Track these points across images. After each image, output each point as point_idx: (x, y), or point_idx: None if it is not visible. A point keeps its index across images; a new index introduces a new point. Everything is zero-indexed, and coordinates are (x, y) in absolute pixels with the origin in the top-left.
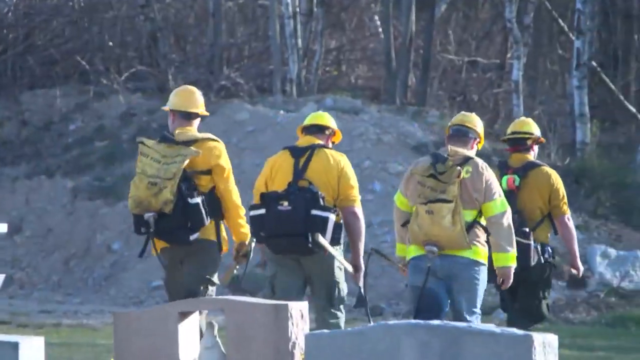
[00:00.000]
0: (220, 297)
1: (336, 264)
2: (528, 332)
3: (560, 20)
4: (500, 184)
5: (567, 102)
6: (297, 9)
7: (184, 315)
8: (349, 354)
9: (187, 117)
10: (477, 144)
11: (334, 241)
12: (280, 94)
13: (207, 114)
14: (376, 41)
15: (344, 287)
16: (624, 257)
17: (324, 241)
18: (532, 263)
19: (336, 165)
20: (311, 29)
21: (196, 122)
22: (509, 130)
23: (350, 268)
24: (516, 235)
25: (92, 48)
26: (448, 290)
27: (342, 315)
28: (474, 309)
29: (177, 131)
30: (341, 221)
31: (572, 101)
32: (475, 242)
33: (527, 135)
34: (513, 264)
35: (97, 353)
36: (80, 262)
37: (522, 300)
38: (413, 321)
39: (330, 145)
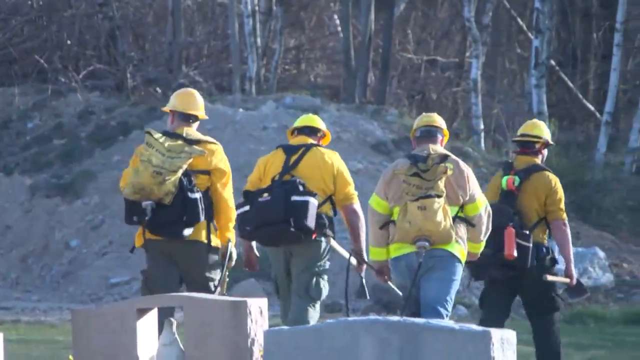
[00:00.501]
0: (178, 294)
1: (321, 256)
2: (486, 328)
3: (518, 20)
4: (501, 184)
5: (525, 101)
6: (257, 8)
7: (142, 312)
8: (308, 350)
9: (187, 118)
10: (444, 141)
11: (321, 228)
12: (240, 92)
13: (206, 117)
14: (335, 40)
15: (324, 284)
16: (582, 254)
17: (334, 243)
18: (527, 266)
19: (331, 163)
20: (270, 27)
21: (195, 124)
22: (519, 132)
23: (354, 261)
24: (517, 237)
25: (51, 46)
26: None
27: (314, 309)
28: (445, 303)
29: (183, 129)
30: (331, 214)
31: (530, 100)
32: (459, 239)
33: (535, 139)
34: (481, 249)
35: (56, 350)
36: (38, 259)
37: (532, 300)
38: (372, 317)
39: (321, 146)
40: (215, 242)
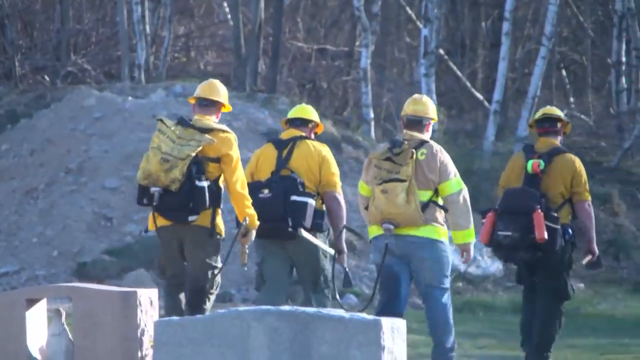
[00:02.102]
0: (67, 284)
1: (321, 251)
2: (377, 317)
3: (408, 9)
4: (526, 168)
5: (414, 90)
6: None
7: (31, 302)
8: (199, 340)
9: (207, 105)
10: (431, 126)
11: (318, 227)
12: (129, 80)
13: (229, 106)
14: (225, 28)
15: (329, 272)
16: None
17: (306, 233)
18: (557, 247)
19: (317, 153)
20: (159, 14)
21: (217, 112)
22: (538, 115)
23: (332, 252)
24: (545, 220)
25: None
26: (409, 269)
27: (327, 299)
28: (441, 285)
29: (195, 117)
30: (324, 208)
31: (419, 89)
32: (431, 222)
33: (558, 116)
34: (472, 240)
35: None
36: None
37: (547, 282)
38: (263, 307)
39: (312, 137)
40: (219, 228)
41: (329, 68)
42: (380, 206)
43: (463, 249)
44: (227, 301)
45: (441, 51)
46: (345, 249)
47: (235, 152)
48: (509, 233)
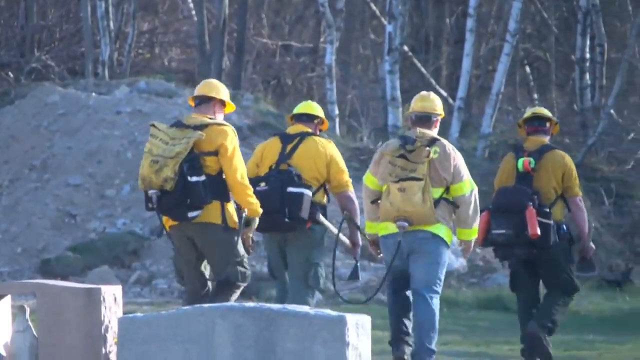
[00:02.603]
0: (31, 281)
1: (315, 241)
2: (341, 313)
3: (372, 5)
4: (516, 166)
5: (379, 87)
6: None
7: None
8: (163, 337)
9: (201, 102)
10: (439, 122)
11: (316, 219)
12: (92, 76)
13: (231, 104)
14: (189, 24)
15: (321, 270)
16: None
17: (323, 219)
18: (550, 243)
19: (325, 152)
20: (123, 11)
21: (214, 108)
22: (527, 115)
23: (348, 242)
24: (538, 215)
25: None
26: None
27: (312, 298)
28: (433, 286)
29: (189, 116)
30: (324, 203)
31: (384, 85)
32: (442, 220)
33: (547, 116)
34: (475, 237)
35: None
36: None
37: (551, 279)
38: (228, 304)
39: (318, 133)
40: (232, 222)
41: (293, 64)
42: (396, 203)
43: (464, 244)
44: None
45: (405, 48)
46: (360, 243)
47: (231, 143)
48: (503, 231)
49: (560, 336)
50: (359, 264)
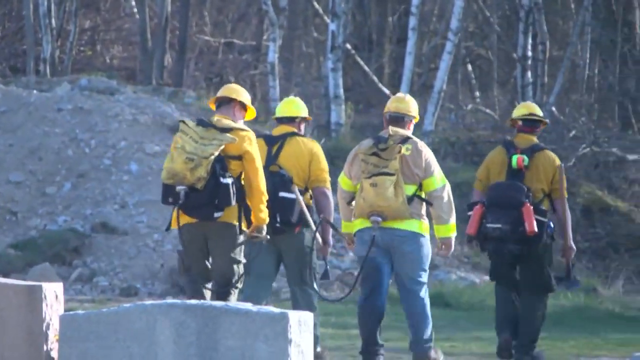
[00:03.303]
0: None
1: (307, 243)
2: (283, 310)
3: (315, 3)
4: (510, 162)
5: (322, 84)
6: None
7: None
8: (104, 334)
9: (223, 104)
10: (413, 124)
11: (305, 222)
12: (34, 74)
13: (253, 110)
14: (131, 21)
15: (316, 267)
16: None
17: (308, 217)
18: (543, 241)
19: (307, 150)
20: (65, 8)
21: (234, 110)
22: (524, 111)
23: (320, 241)
24: (535, 214)
25: None
26: (391, 262)
27: (314, 293)
28: (419, 279)
29: (215, 118)
30: (311, 203)
31: (327, 83)
32: (415, 215)
33: (541, 118)
34: (453, 234)
35: None
36: None
37: (530, 275)
38: (169, 301)
39: (302, 129)
40: (244, 225)
41: (236, 62)
42: (369, 199)
43: (443, 242)
44: (133, 295)
45: (348, 46)
46: (331, 243)
47: (255, 151)
48: (499, 225)
49: None
50: (328, 265)
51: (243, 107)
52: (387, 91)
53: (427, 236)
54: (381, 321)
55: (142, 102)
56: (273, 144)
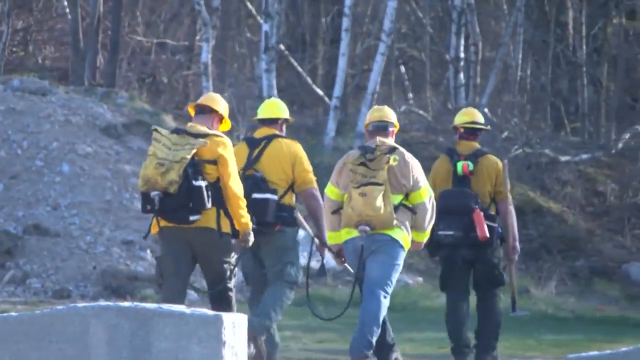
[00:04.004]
0: None
1: (287, 241)
2: (217, 312)
3: (248, 3)
4: (455, 169)
5: (255, 85)
6: None
7: None
8: (37, 336)
9: (202, 112)
10: (394, 133)
11: (284, 221)
12: None
13: (228, 122)
14: (64, 22)
15: (296, 269)
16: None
17: (301, 219)
18: (494, 244)
19: (289, 153)
20: None
21: (212, 121)
22: (467, 119)
23: (317, 242)
24: (485, 219)
25: None
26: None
27: (290, 294)
28: (385, 287)
29: (189, 124)
30: (294, 204)
31: (260, 84)
32: (401, 225)
33: (483, 127)
34: (425, 240)
35: None
36: None
37: (484, 273)
38: (102, 303)
39: (284, 131)
40: (226, 227)
41: (169, 62)
42: (358, 208)
43: (416, 246)
44: (65, 297)
45: (282, 47)
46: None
47: (230, 155)
48: (451, 232)
49: (433, 333)
50: (325, 263)
51: (221, 118)
52: (320, 92)
53: (405, 249)
54: (379, 324)
55: (75, 103)
56: (255, 147)
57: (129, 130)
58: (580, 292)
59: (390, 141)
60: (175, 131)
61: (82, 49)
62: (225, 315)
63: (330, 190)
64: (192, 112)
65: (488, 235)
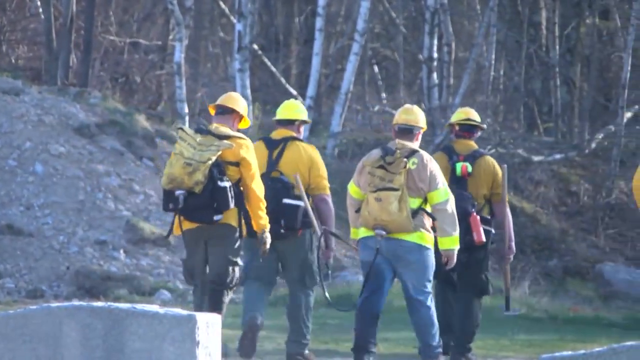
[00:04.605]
0: None
1: (308, 245)
2: (191, 312)
3: (221, 3)
4: (454, 170)
5: (229, 85)
6: None
7: None
8: (11, 337)
9: (223, 113)
10: (421, 134)
11: (306, 225)
12: None
13: (247, 121)
14: (37, 21)
15: (316, 270)
16: None
17: (313, 219)
18: (488, 248)
19: (307, 157)
20: None
21: (233, 121)
22: (462, 116)
23: (323, 245)
24: (481, 223)
25: None
26: (394, 271)
27: (312, 295)
28: (424, 289)
29: (213, 125)
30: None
31: (234, 84)
32: (420, 228)
33: (478, 124)
34: (456, 246)
35: None
36: None
37: (471, 278)
38: (76, 303)
39: (301, 132)
40: (245, 228)
41: (142, 62)
42: (374, 212)
43: (447, 255)
44: (39, 297)
45: (255, 46)
46: (334, 248)
47: (253, 158)
48: None
49: (408, 333)
50: (329, 269)
51: (241, 117)
52: (294, 92)
53: (432, 248)
54: (377, 321)
55: (48, 103)
56: (273, 148)
57: (102, 130)
58: (554, 292)
59: (414, 144)
60: (199, 130)
61: (55, 48)
62: (199, 315)
63: (353, 189)
64: (212, 112)
65: (484, 239)
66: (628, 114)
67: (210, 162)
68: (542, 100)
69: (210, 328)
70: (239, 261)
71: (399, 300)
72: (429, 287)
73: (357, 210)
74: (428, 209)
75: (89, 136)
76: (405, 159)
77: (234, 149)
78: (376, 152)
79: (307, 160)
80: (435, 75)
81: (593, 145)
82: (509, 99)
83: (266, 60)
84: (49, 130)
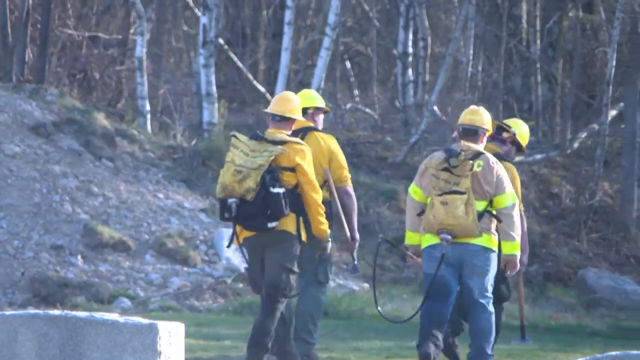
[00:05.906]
0: None
1: (327, 247)
2: (152, 321)
3: None
4: None
5: (193, 81)
6: None
7: None
8: None
9: (280, 120)
10: (486, 136)
11: (328, 217)
12: None
13: (302, 119)
14: None
15: (330, 267)
16: None
17: (341, 214)
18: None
19: (327, 148)
20: None
21: (290, 125)
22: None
23: (349, 236)
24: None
25: None
26: (459, 276)
27: (324, 294)
28: (486, 293)
29: (268, 131)
30: (329, 199)
31: (198, 80)
32: (485, 231)
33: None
34: (518, 252)
35: None
36: None
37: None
38: (32, 312)
39: (320, 120)
40: (304, 236)
41: (101, 57)
42: (439, 216)
43: (508, 260)
44: None
45: (221, 41)
46: (358, 238)
47: (309, 164)
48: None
49: (380, 342)
50: (357, 261)
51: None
52: (262, 89)
53: (496, 251)
54: (444, 327)
55: (2, 100)
56: None
57: (59, 129)
58: (535, 299)
59: (478, 146)
60: (254, 137)
61: (10, 43)
62: (160, 324)
63: (414, 191)
64: (268, 119)
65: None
66: (612, 112)
67: (262, 168)
68: (523, 98)
69: (172, 337)
70: (295, 268)
71: (371, 308)
72: (489, 292)
73: (419, 214)
74: (493, 211)
75: (45, 135)
76: (471, 162)
77: (289, 154)
78: (439, 154)
79: (327, 151)
80: (410, 71)
81: (576, 144)
82: (488, 96)
83: (232, 55)
84: (3, 130)
